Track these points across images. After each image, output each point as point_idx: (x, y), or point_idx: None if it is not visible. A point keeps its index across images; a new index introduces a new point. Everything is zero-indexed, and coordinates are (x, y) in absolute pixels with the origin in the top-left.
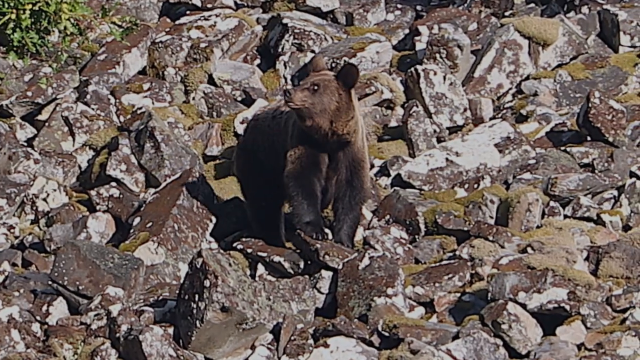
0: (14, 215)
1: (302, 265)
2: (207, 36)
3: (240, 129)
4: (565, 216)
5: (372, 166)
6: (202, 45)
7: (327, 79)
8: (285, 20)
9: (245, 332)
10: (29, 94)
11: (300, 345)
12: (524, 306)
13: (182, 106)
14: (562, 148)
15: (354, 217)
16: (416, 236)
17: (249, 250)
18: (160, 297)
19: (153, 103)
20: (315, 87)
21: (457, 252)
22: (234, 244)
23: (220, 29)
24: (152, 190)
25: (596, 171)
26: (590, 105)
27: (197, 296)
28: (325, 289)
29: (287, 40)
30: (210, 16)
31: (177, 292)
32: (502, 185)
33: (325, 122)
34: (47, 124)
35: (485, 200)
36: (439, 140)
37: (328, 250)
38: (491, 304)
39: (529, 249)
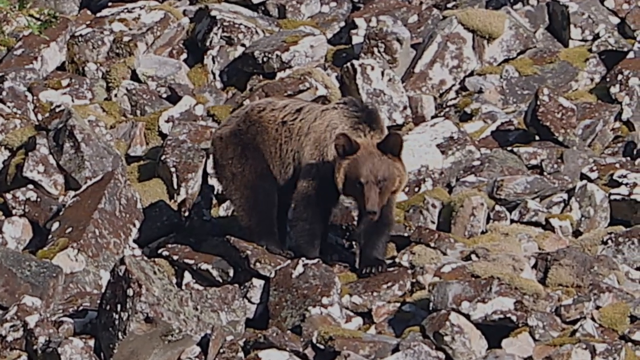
0: None
1: (231, 273)
2: (130, 29)
3: (166, 128)
4: (512, 221)
5: None
6: (125, 39)
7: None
8: (213, 13)
9: (171, 345)
10: None
11: (229, 358)
12: (467, 317)
13: (104, 104)
14: (509, 148)
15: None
16: (353, 242)
17: (175, 257)
18: (81, 307)
19: (73, 100)
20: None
21: (397, 259)
22: (159, 251)
23: (145, 21)
24: (71, 193)
25: (545, 173)
26: (538, 102)
27: (119, 306)
28: (256, 299)
29: (216, 34)
30: (134, 8)
31: (99, 301)
32: (444, 189)
33: None
34: None
35: (426, 205)
36: None
37: (259, 257)
38: (433, 315)
39: (473, 256)
